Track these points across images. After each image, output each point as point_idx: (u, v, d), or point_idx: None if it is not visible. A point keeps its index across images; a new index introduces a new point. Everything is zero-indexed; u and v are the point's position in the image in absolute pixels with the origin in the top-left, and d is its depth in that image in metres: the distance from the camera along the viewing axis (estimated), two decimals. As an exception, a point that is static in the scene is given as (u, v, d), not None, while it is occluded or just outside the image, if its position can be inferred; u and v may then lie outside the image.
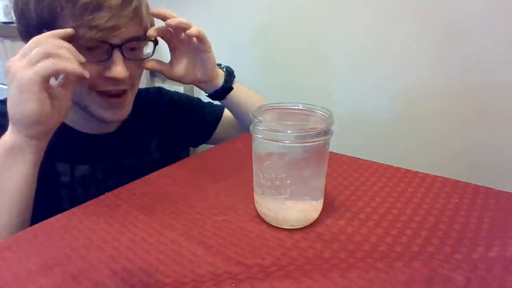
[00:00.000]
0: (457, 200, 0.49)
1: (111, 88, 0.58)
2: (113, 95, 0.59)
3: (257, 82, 1.36)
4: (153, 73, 1.69)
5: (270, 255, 0.39)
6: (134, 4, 0.55)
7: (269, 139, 0.40)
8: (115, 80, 0.56)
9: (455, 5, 0.91)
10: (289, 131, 0.39)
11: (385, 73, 1.07)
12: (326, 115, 0.42)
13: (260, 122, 0.40)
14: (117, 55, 0.55)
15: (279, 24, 1.23)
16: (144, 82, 1.71)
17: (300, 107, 0.45)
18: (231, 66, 0.79)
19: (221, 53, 1.42)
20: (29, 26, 0.54)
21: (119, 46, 0.55)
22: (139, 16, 0.56)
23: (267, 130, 0.40)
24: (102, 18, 0.51)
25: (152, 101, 0.78)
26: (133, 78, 0.61)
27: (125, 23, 0.54)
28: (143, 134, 0.74)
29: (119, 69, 0.55)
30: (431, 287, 0.34)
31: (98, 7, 0.51)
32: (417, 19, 0.97)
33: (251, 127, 0.42)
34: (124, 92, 0.60)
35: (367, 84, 1.11)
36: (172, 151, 0.78)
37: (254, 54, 1.33)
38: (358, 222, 0.45)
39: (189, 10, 1.46)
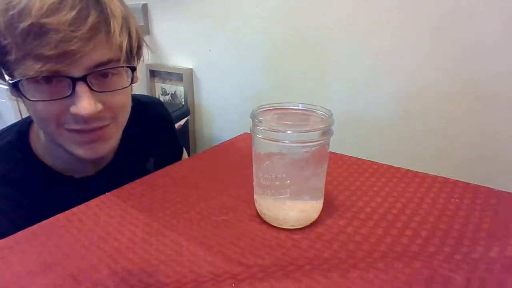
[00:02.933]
0: (457, 200, 0.49)
1: (80, 127, 0.48)
2: (87, 130, 0.49)
3: (257, 82, 1.36)
4: (153, 73, 1.69)
5: (270, 255, 0.39)
6: (91, 20, 0.43)
7: (269, 139, 0.40)
8: (84, 117, 0.46)
9: (449, 0, 0.91)
10: (289, 131, 0.39)
11: (381, 71, 1.07)
12: (326, 115, 0.42)
13: (260, 122, 0.40)
14: (80, 89, 0.45)
15: (278, 25, 1.23)
16: (144, 82, 1.71)
17: (300, 107, 0.45)
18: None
19: (223, 54, 1.43)
20: None
21: (82, 79, 0.45)
22: (102, 34, 0.45)
23: (267, 130, 0.40)
24: (47, 45, 0.41)
25: (152, 114, 0.72)
26: (113, 111, 0.50)
27: (80, 47, 0.43)
28: (139, 155, 0.69)
29: (84, 105, 0.45)
30: (431, 287, 0.34)
31: (43, 31, 0.41)
32: (412, 16, 0.97)
33: (251, 127, 0.42)
34: (101, 127, 0.50)
35: (364, 83, 1.11)
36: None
37: (254, 55, 1.33)
38: (358, 222, 0.45)
39: (191, 13, 1.46)
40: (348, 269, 0.36)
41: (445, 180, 0.54)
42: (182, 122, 1.53)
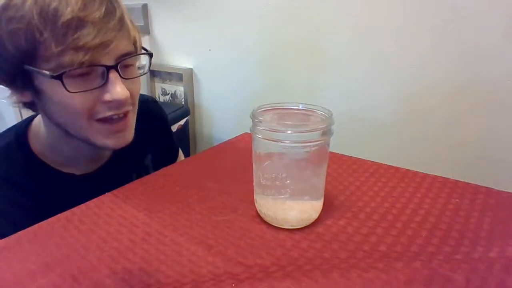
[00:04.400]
0: (457, 200, 0.49)
1: (112, 113, 0.52)
2: (115, 120, 0.53)
3: (257, 82, 1.36)
4: (153, 73, 1.69)
5: (270, 255, 0.39)
6: (118, 14, 0.49)
7: (269, 139, 0.40)
8: (117, 103, 0.51)
9: (450, 0, 0.91)
10: (289, 131, 0.39)
11: (381, 71, 1.07)
12: (326, 115, 0.42)
13: (260, 122, 0.40)
14: (114, 76, 0.49)
15: (278, 26, 1.23)
16: (144, 81, 1.71)
17: (300, 107, 0.45)
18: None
19: (223, 54, 1.43)
20: (7, 66, 0.48)
21: (114, 67, 0.49)
22: (125, 27, 0.51)
23: (267, 130, 0.40)
24: (88, 36, 0.45)
25: (147, 111, 0.73)
26: (133, 97, 0.55)
27: (113, 37, 0.48)
28: (138, 150, 0.70)
29: (118, 90, 0.49)
30: (431, 287, 0.34)
31: (82, 24, 0.45)
32: (412, 17, 0.97)
33: (251, 127, 0.42)
34: (126, 113, 0.54)
35: (364, 82, 1.11)
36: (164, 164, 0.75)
37: (254, 55, 1.33)
38: (358, 222, 0.45)
39: (191, 13, 1.46)
40: (348, 269, 0.36)
41: (445, 180, 0.54)
42: (182, 122, 1.53)
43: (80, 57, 0.45)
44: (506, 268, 0.36)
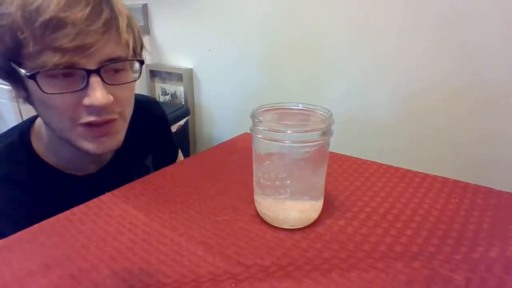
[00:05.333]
0: (457, 200, 0.49)
1: (93, 119, 0.50)
2: (99, 124, 0.51)
3: (257, 82, 1.36)
4: (153, 73, 1.69)
5: (270, 255, 0.39)
6: (104, 16, 0.46)
7: (269, 139, 0.40)
8: (96, 108, 0.49)
9: (449, 1, 0.91)
10: (289, 131, 0.39)
11: (382, 71, 1.07)
12: (326, 115, 0.42)
13: (260, 122, 0.40)
14: (94, 80, 0.47)
15: (278, 26, 1.23)
16: (144, 82, 1.71)
17: (300, 107, 0.45)
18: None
19: (223, 54, 1.43)
20: (1, 63, 0.48)
21: (96, 71, 0.47)
22: (113, 30, 0.48)
23: (267, 130, 0.40)
24: (65, 37, 0.43)
25: (148, 112, 0.73)
26: (121, 105, 0.53)
27: (96, 41, 0.46)
28: (139, 151, 0.70)
29: (97, 95, 0.47)
30: (431, 287, 0.34)
31: (61, 24, 0.43)
32: (412, 17, 0.97)
33: (251, 127, 0.42)
34: (109, 121, 0.52)
35: (364, 82, 1.11)
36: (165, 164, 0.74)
37: (254, 56, 1.33)
38: (358, 222, 0.45)
39: (191, 13, 1.46)
40: (348, 269, 0.36)
41: (445, 180, 0.54)
42: (182, 122, 1.53)
43: (56, 58, 0.44)
44: (506, 268, 0.36)
